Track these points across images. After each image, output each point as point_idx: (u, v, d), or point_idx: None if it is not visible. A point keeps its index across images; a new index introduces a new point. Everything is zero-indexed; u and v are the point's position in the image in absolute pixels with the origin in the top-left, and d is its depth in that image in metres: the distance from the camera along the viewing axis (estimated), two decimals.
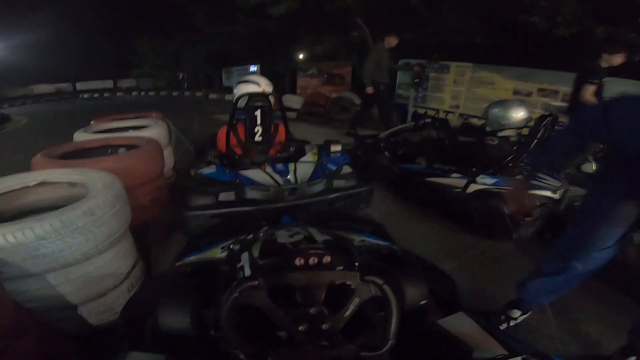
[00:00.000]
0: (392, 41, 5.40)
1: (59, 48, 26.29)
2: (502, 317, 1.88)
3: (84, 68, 26.65)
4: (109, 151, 2.95)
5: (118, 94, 23.49)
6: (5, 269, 1.37)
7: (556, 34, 4.85)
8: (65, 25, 25.19)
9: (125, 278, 1.81)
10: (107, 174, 1.91)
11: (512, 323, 1.87)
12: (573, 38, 4.92)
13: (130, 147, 2.82)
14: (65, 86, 25.36)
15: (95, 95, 22.65)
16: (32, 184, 1.94)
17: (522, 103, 3.28)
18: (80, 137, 3.21)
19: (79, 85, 25.62)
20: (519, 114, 3.07)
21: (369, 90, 5.34)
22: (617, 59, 3.67)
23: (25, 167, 2.36)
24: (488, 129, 3.17)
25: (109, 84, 26.47)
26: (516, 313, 1.88)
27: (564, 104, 5.63)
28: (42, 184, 1.97)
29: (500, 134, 3.13)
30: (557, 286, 1.73)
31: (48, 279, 1.50)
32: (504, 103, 3.23)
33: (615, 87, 5.17)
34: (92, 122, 4.07)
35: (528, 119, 3.09)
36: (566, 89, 5.66)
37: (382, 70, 5.35)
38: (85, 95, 22.51)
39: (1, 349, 1.12)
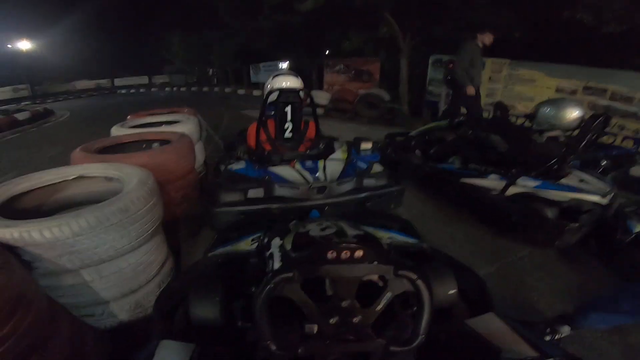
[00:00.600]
0: (486, 38, 4.73)
1: (98, 46, 27.82)
2: (548, 329, 1.77)
3: (121, 64, 28.14)
4: (144, 146, 3.02)
5: (152, 89, 24.57)
6: (41, 264, 1.38)
7: (605, 30, 4.51)
8: (103, 24, 26.58)
9: (156, 274, 1.82)
10: (142, 170, 1.92)
11: (557, 337, 1.75)
12: (623, 35, 4.57)
13: (163, 142, 2.87)
14: (104, 82, 26.89)
15: (132, 90, 23.80)
16: (70, 177, 2.00)
17: (577, 102, 3.08)
18: (117, 131, 3.32)
19: (117, 82, 27.14)
20: (573, 114, 2.88)
21: (470, 90, 4.70)
22: None
23: (66, 159, 2.46)
24: (535, 127, 2.98)
25: (144, 79, 27.87)
26: (565, 329, 1.76)
27: (612, 103, 5.29)
28: (80, 177, 2.02)
29: (549, 134, 2.94)
30: (629, 321, 1.63)
31: (82, 275, 1.50)
32: (557, 102, 3.06)
33: None
34: (128, 117, 4.21)
35: (581, 120, 2.88)
36: (614, 87, 5.30)
37: (477, 70, 4.80)
38: (123, 91, 23.70)
39: (36, 344, 1.15)
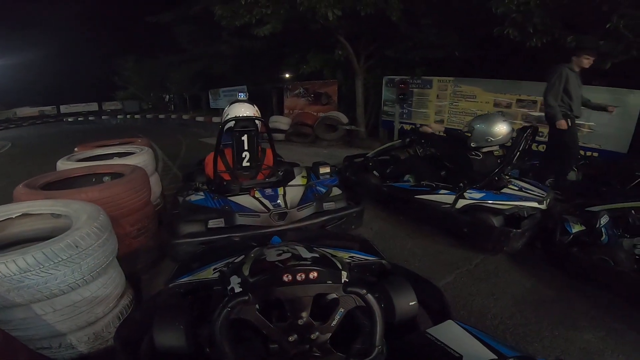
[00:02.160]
0: (584, 61, 3.75)
1: (42, 70, 26.12)
2: None
3: (68, 90, 26.47)
4: (94, 180, 2.90)
5: (103, 117, 23.36)
6: None
7: (529, 44, 5.03)
8: (48, 47, 25.14)
9: (115, 306, 1.81)
10: (92, 205, 1.91)
11: None
12: (545, 48, 5.12)
13: (115, 175, 2.78)
14: (49, 109, 25.08)
15: (80, 118, 22.49)
16: (14, 215, 1.93)
17: (504, 116, 3.34)
18: (64, 165, 3.15)
19: (63, 109, 25.41)
20: (502, 129, 3.12)
21: (561, 124, 3.75)
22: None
23: (8, 196, 2.35)
24: (473, 144, 3.22)
25: (93, 106, 26.29)
26: None
27: (543, 114, 5.88)
28: (24, 215, 1.95)
29: (482, 150, 3.19)
30: None
31: (33, 309, 1.50)
32: (487, 118, 3.26)
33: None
34: (75, 149, 4.00)
35: (512, 132, 3.15)
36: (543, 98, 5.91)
37: (573, 100, 3.81)
38: (70, 119, 22.32)
39: None
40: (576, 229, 2.64)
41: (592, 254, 2.42)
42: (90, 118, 22.61)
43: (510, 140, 3.17)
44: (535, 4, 4.53)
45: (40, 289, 1.44)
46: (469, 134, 3.24)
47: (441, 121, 7.48)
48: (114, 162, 3.27)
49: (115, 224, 1.98)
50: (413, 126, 7.89)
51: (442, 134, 3.85)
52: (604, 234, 2.53)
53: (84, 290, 1.62)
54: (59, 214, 1.93)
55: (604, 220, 2.56)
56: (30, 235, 1.98)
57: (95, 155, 3.67)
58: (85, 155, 3.65)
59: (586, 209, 2.75)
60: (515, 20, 4.78)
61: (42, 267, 1.42)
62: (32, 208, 1.97)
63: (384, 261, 1.37)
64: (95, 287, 1.68)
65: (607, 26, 4.11)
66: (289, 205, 2.52)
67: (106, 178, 2.86)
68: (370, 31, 7.70)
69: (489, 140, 3.13)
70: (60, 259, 1.47)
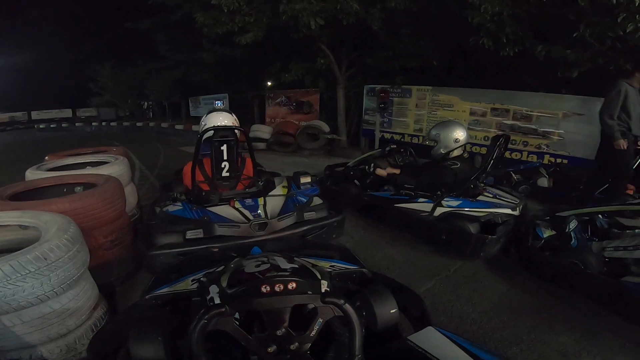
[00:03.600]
0: None
1: (14, 74, 25.04)
2: None
3: (40, 96, 25.41)
4: (65, 190, 2.80)
5: (77, 124, 22.50)
6: None
7: (502, 54, 5.24)
8: (21, 51, 24.19)
9: (88, 318, 1.79)
10: (61, 217, 1.87)
11: None
12: (517, 57, 5.33)
13: (88, 185, 2.68)
14: (19, 115, 23.96)
15: (52, 125, 21.60)
16: None
17: (459, 122, 3.57)
18: (33, 175, 3.02)
19: (35, 115, 24.33)
20: (461, 130, 3.33)
21: (619, 144, 3.46)
22: None
23: None
24: (442, 151, 3.34)
25: (67, 113, 25.29)
26: None
27: (515, 122, 6.14)
28: None
29: (453, 154, 3.31)
30: None
31: (2, 320, 1.48)
32: (446, 124, 3.45)
33: None
34: (46, 157, 3.84)
35: (465, 138, 3.33)
36: (515, 107, 6.14)
37: (631, 118, 3.50)
38: (42, 125, 21.39)
39: None
40: (547, 233, 2.74)
41: (562, 258, 2.50)
42: (63, 125, 21.75)
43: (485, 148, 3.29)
44: (508, 14, 4.72)
45: (8, 301, 1.42)
46: (434, 143, 3.38)
47: (420, 130, 7.66)
48: (87, 171, 3.17)
49: (88, 235, 1.94)
50: (393, 136, 8.05)
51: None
52: (573, 238, 2.63)
53: (53, 303, 1.60)
54: (27, 225, 1.87)
55: (573, 224, 2.67)
56: None
57: (67, 165, 3.54)
58: (56, 164, 3.52)
59: (556, 214, 2.84)
60: (489, 30, 4.96)
61: (9, 279, 1.40)
62: None
63: (364, 270, 1.37)
64: (66, 299, 1.65)
65: (574, 35, 4.30)
66: (269, 215, 2.51)
67: (78, 188, 2.76)
68: (351, 40, 7.85)
69: (457, 140, 3.28)
70: (28, 271, 1.45)
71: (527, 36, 4.99)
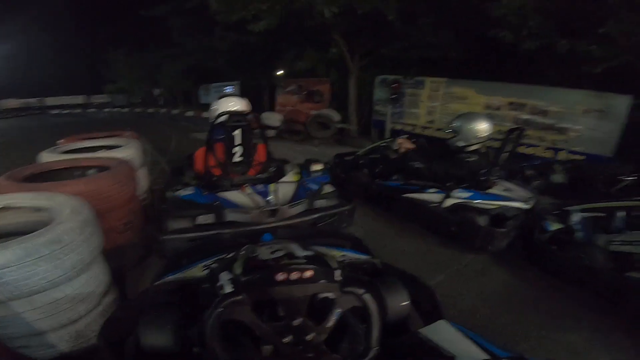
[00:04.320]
0: None
1: (29, 61, 25.38)
2: None
3: (54, 83, 25.75)
4: (79, 173, 2.82)
5: (90, 110, 22.80)
6: None
7: (523, 47, 5.07)
8: (36, 38, 24.43)
9: (98, 304, 1.78)
10: (75, 199, 1.86)
11: None
12: (538, 52, 5.17)
13: (100, 168, 2.70)
14: (33, 101, 24.38)
15: (65, 111, 21.88)
16: None
17: (485, 115, 3.41)
18: (47, 157, 3.06)
19: (49, 101, 24.74)
20: (485, 125, 3.19)
21: None
22: None
23: None
24: (461, 144, 3.24)
25: (80, 99, 25.64)
26: None
27: (531, 117, 5.98)
28: (5, 208, 1.90)
29: (471, 148, 3.21)
30: None
31: (12, 306, 1.45)
32: (470, 117, 3.30)
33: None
34: (60, 140, 3.89)
35: (490, 131, 3.20)
36: (532, 102, 5.99)
37: None
38: (55, 111, 21.69)
39: None
40: (554, 227, 2.68)
41: (568, 251, 2.47)
42: (76, 111, 22.06)
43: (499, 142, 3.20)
44: (532, 8, 4.57)
45: (20, 286, 1.39)
46: (454, 134, 3.27)
47: (432, 122, 7.54)
48: (100, 154, 3.19)
49: (101, 218, 1.92)
50: (404, 127, 7.94)
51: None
52: (578, 231, 2.57)
53: (66, 287, 1.57)
54: (41, 207, 1.87)
55: (577, 217, 2.61)
56: (11, 230, 1.91)
57: (81, 148, 3.58)
58: (70, 147, 3.57)
59: (564, 208, 2.79)
60: (511, 22, 4.81)
61: (22, 262, 1.37)
62: (13, 201, 1.91)
63: (376, 260, 1.34)
64: (78, 284, 1.63)
65: (601, 31, 4.15)
66: (280, 201, 2.50)
67: (91, 171, 2.78)
68: (366, 30, 7.68)
69: (477, 137, 3.17)
70: (42, 255, 1.42)
71: (551, 30, 4.82)
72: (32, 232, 1.50)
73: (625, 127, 5.09)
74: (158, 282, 1.23)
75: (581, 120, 5.52)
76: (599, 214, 2.75)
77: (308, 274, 0.81)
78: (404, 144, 3.86)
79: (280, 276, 0.80)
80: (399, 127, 8.03)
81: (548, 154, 5.87)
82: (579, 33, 4.71)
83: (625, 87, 5.03)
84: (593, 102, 5.38)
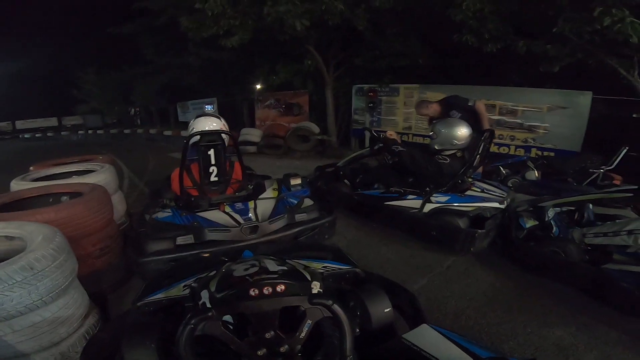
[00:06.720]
0: None
1: None
2: None
3: (24, 105, 24.81)
4: (51, 200, 2.77)
5: (63, 132, 22.08)
6: None
7: (485, 50, 5.29)
8: (2, 59, 23.61)
9: (80, 326, 1.80)
10: (47, 227, 1.87)
11: None
12: (501, 53, 5.40)
13: (73, 195, 2.66)
14: (3, 125, 23.44)
15: (38, 134, 21.18)
16: None
17: (466, 123, 3.41)
18: (18, 185, 3.00)
19: (20, 124, 23.84)
20: (464, 132, 3.21)
21: None
22: None
23: None
24: (437, 147, 3.28)
25: (52, 122, 24.78)
26: None
27: (501, 117, 6.22)
28: None
29: (446, 153, 3.27)
30: None
31: None
32: (451, 122, 3.32)
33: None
34: (31, 167, 3.77)
35: (471, 135, 3.24)
36: (501, 102, 6.23)
37: None
38: (27, 135, 20.96)
39: None
40: (529, 224, 2.77)
41: (544, 247, 2.53)
42: (48, 134, 21.35)
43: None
44: (489, 11, 4.79)
45: None
46: (435, 136, 3.29)
47: (409, 128, 7.71)
48: (72, 180, 3.12)
49: (75, 244, 1.95)
50: (382, 134, 8.05)
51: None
52: (554, 226, 2.67)
53: (43, 311, 1.61)
54: (12, 236, 1.87)
55: (552, 213, 2.71)
56: None
57: (53, 174, 3.50)
58: (42, 174, 3.47)
59: (538, 204, 2.88)
60: (471, 26, 5.03)
61: None
62: None
63: (357, 269, 1.37)
64: (55, 308, 1.66)
65: (554, 30, 4.37)
66: (260, 218, 2.50)
67: (64, 198, 2.73)
68: (338, 40, 7.86)
69: (454, 143, 3.21)
70: (15, 281, 1.47)
71: (508, 32, 5.07)
72: (5, 260, 1.54)
73: (588, 122, 5.36)
74: (140, 303, 1.23)
75: (547, 118, 5.79)
76: (571, 208, 2.88)
77: (280, 288, 0.84)
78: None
79: (253, 291, 0.83)
80: (377, 135, 8.13)
81: (520, 152, 6.10)
82: (535, 34, 4.96)
83: (586, 85, 5.32)
84: (557, 99, 5.66)
